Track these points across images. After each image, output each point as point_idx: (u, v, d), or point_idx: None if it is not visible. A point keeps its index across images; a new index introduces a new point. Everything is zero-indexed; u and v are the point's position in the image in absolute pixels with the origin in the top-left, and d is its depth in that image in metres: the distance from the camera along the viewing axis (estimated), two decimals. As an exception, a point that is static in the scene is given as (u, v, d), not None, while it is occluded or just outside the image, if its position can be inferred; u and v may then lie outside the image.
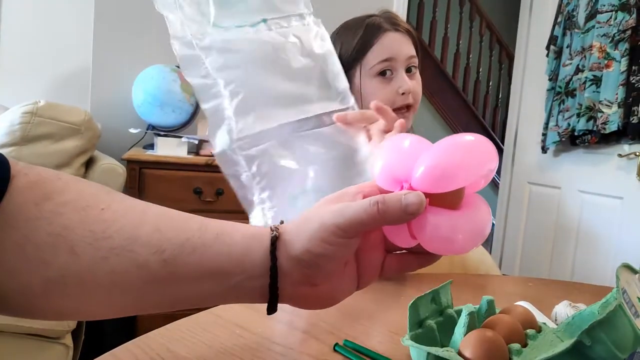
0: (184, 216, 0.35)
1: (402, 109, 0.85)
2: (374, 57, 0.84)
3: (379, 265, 0.36)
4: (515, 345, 0.39)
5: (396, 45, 0.85)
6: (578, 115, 1.84)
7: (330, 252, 0.32)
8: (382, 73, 0.84)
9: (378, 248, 0.36)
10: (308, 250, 0.32)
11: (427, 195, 0.32)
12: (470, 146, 0.34)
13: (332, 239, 0.31)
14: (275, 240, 0.33)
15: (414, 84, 0.85)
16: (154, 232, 0.32)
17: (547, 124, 2.06)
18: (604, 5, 1.75)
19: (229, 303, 0.36)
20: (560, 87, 2.00)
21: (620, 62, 1.68)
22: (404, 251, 0.37)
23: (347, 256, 0.34)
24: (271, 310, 0.34)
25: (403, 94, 0.83)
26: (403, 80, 0.83)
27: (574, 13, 1.95)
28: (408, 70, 0.86)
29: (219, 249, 0.33)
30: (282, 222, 0.36)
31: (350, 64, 0.85)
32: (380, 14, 0.89)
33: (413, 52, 0.86)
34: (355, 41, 0.86)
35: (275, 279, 0.33)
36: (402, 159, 0.35)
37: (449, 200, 0.33)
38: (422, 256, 0.36)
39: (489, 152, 0.34)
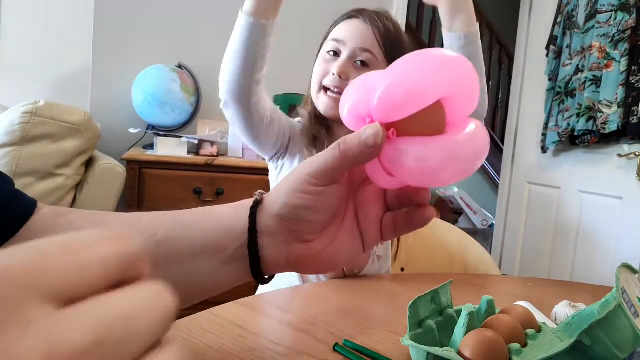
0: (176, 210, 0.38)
1: (332, 91, 0.84)
2: (331, 35, 0.87)
3: (379, 220, 0.35)
4: (515, 345, 0.39)
5: (351, 31, 0.85)
6: (578, 115, 1.84)
7: (307, 202, 0.32)
8: (330, 52, 0.86)
9: (377, 202, 0.35)
10: (286, 203, 0.33)
11: (397, 124, 0.29)
12: (427, 58, 0.29)
13: (306, 187, 0.32)
14: (257, 204, 0.34)
15: (354, 75, 0.82)
16: (149, 222, 0.36)
17: (547, 124, 2.06)
18: (604, 5, 1.75)
19: (233, 284, 0.36)
20: (560, 87, 2.00)
21: (620, 62, 1.68)
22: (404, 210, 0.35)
23: (328, 205, 0.33)
24: (258, 274, 0.34)
25: (333, 74, 0.83)
26: (337, 63, 0.83)
27: (574, 13, 1.95)
28: (363, 64, 0.83)
29: (209, 225, 0.35)
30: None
31: (323, 41, 0.90)
32: (375, 9, 0.90)
33: (368, 46, 0.83)
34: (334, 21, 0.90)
35: (254, 237, 0.33)
36: (364, 93, 0.31)
37: (423, 125, 0.29)
38: (411, 214, 0.34)
39: (454, 62, 0.29)
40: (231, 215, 0.35)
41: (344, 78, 0.82)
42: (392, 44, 0.85)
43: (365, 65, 0.84)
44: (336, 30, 0.87)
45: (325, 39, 0.90)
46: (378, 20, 0.85)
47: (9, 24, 1.92)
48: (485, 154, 0.30)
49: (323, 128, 0.90)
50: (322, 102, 0.86)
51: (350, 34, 0.84)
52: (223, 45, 0.82)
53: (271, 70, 0.80)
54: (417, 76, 0.28)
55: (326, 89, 0.85)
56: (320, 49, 0.91)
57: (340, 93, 0.84)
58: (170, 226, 0.35)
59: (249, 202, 0.35)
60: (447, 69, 0.29)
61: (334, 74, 0.83)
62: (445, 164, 0.29)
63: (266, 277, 0.36)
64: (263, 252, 0.34)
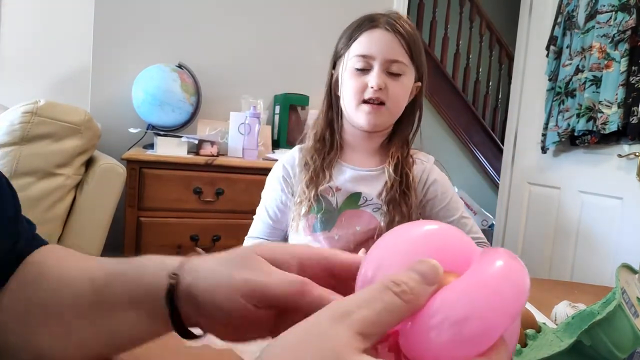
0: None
1: (374, 102, 0.86)
2: (354, 50, 0.86)
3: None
4: (515, 345, 0.39)
5: (377, 44, 0.85)
6: (578, 115, 1.84)
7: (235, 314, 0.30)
8: (358, 67, 0.86)
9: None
10: (212, 302, 0.31)
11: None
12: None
13: (245, 306, 0.30)
14: (172, 288, 0.32)
15: (390, 84, 0.85)
16: (101, 265, 0.37)
17: (546, 124, 2.06)
18: (604, 6, 1.75)
19: (162, 335, 0.35)
20: (560, 87, 2.00)
21: (620, 62, 1.68)
22: None
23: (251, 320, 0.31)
24: (183, 332, 0.33)
25: (372, 87, 0.84)
26: (374, 76, 0.84)
27: (574, 13, 1.95)
28: (395, 74, 0.85)
29: (138, 273, 0.34)
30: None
31: (340, 51, 0.90)
32: (387, 12, 0.89)
33: (397, 56, 0.85)
34: (348, 31, 0.89)
35: (175, 314, 0.33)
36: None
37: None
38: None
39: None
40: (155, 269, 0.34)
41: (382, 89, 0.84)
42: (415, 47, 0.87)
43: (397, 75, 0.86)
44: (359, 45, 0.86)
45: (342, 49, 0.89)
46: (398, 25, 0.85)
47: (9, 24, 1.92)
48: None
49: (334, 149, 0.93)
50: (363, 113, 0.86)
51: (377, 48, 0.84)
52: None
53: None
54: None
55: (365, 101, 0.86)
56: (335, 60, 0.91)
57: (380, 103, 0.86)
58: (111, 272, 0.35)
59: (170, 266, 0.34)
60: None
61: (372, 87, 0.84)
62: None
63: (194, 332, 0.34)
64: (181, 310, 0.33)
